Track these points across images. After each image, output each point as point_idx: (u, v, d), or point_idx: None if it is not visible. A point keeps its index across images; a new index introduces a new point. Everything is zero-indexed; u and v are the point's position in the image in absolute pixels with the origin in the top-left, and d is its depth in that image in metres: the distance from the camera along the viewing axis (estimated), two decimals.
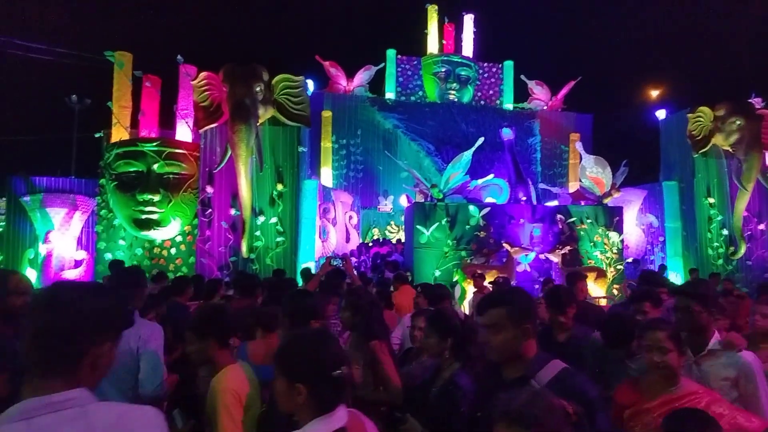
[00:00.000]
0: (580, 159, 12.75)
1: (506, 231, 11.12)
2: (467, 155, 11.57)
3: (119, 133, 10.88)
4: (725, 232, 11.97)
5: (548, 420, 1.28)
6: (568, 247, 10.91)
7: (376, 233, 16.65)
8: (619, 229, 11.53)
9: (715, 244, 11.99)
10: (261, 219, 10.27)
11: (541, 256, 11.07)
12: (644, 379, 2.23)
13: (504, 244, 10.64)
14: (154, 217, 10.34)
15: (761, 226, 12.17)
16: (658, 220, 12.78)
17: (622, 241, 11.64)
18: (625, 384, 2.31)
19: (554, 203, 13.27)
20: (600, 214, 11.55)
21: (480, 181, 12.22)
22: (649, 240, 12.96)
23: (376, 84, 20.21)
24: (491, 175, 12.88)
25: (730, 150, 11.95)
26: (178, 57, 10.72)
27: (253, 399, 2.17)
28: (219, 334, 2.21)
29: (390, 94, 20.03)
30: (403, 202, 15.68)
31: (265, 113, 10.27)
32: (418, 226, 10.88)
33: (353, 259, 10.42)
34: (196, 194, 10.51)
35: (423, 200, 11.76)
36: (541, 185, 14.64)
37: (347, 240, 13.81)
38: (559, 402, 1.34)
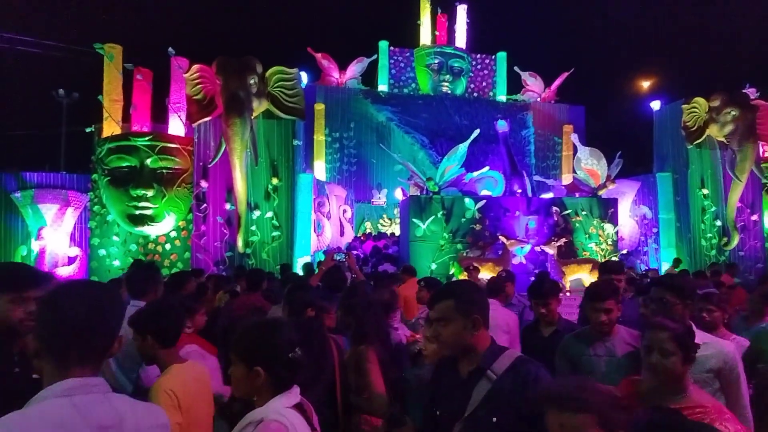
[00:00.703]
0: (575, 151, 12.79)
1: (502, 223, 11.14)
2: (462, 148, 11.55)
3: (111, 127, 10.70)
4: (718, 223, 12.07)
5: (597, 405, 1.31)
6: (564, 239, 10.95)
7: (368, 227, 16.63)
8: (614, 221, 11.60)
9: (708, 235, 12.09)
10: (256, 213, 10.19)
11: (537, 249, 11.11)
12: (644, 382, 2.06)
13: (500, 237, 10.66)
14: (148, 212, 10.21)
15: (754, 217, 12.29)
16: (651, 211, 12.85)
17: (617, 232, 11.71)
18: (626, 382, 2.17)
19: (549, 195, 13.31)
20: (595, 205, 11.60)
21: (475, 174, 12.22)
22: (642, 231, 13.05)
23: (369, 76, 20.08)
24: (486, 168, 12.89)
25: (725, 141, 12.02)
26: (170, 49, 10.54)
27: (195, 399, 2.19)
28: (157, 334, 2.22)
29: (383, 87, 19.92)
30: (399, 195, 15.66)
31: (259, 106, 10.16)
32: (413, 219, 10.87)
33: (354, 253, 10.40)
34: (191, 189, 10.40)
35: (417, 193, 11.73)
36: (536, 177, 14.70)
37: (341, 234, 13.78)
38: (608, 388, 1.37)
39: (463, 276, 10.08)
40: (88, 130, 11.03)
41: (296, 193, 10.64)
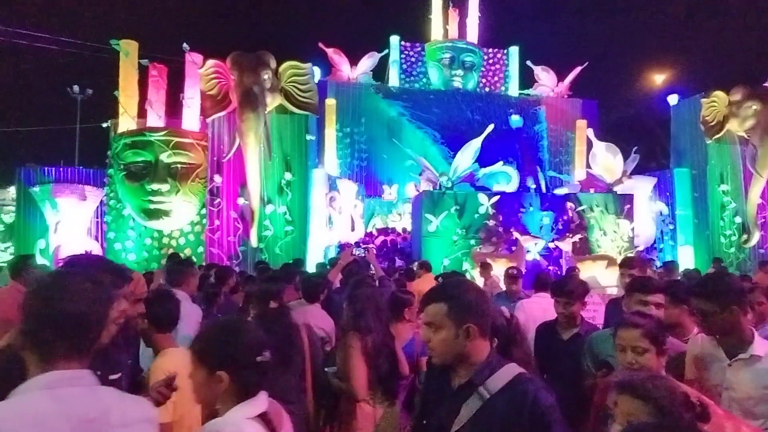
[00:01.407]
0: (590, 146, 12.63)
1: (515, 219, 11.06)
2: (476, 143, 11.48)
3: (126, 122, 10.78)
4: (738, 219, 11.86)
5: (666, 399, 1.32)
6: (579, 236, 10.86)
7: (378, 222, 16.60)
8: (629, 217, 11.45)
9: (728, 231, 11.89)
10: (270, 208, 10.22)
11: (551, 245, 11.02)
12: None
13: (513, 233, 10.58)
14: (163, 207, 10.29)
15: None
16: (668, 207, 12.67)
17: (632, 229, 11.56)
18: (602, 383, 2.08)
19: (564, 191, 13.18)
20: (610, 201, 11.46)
21: (488, 169, 12.14)
22: (659, 228, 12.88)
23: (380, 71, 19.98)
24: (500, 163, 12.80)
25: (745, 135, 11.80)
26: (184, 45, 10.58)
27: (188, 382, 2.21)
28: (153, 320, 2.31)
29: (394, 82, 19.83)
30: (411, 190, 15.60)
31: (272, 101, 10.17)
32: (426, 215, 10.82)
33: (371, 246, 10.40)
34: (205, 184, 10.45)
35: (429, 188, 11.67)
36: (551, 173, 14.55)
37: (352, 229, 13.78)
38: (680, 386, 1.38)
39: (477, 272, 10.05)
40: (104, 125, 11.13)
41: (309, 187, 10.65)
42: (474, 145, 11.48)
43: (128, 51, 10.82)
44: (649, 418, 1.31)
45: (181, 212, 10.52)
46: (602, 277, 9.96)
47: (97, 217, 11.45)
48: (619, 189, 11.77)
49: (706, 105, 11.83)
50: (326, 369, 2.97)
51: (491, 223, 10.95)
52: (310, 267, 8.82)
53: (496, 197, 11.16)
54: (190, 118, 11.14)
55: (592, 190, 12.02)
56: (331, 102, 17.84)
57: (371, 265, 5.58)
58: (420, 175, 13.15)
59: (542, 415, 1.50)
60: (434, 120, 18.56)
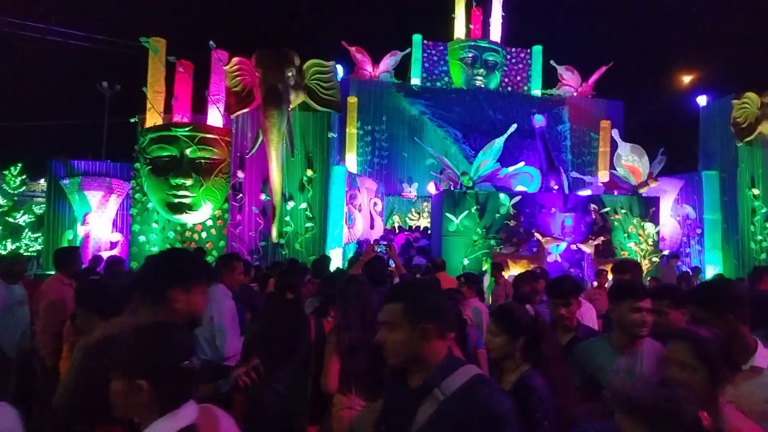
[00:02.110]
0: (614, 147, 12.40)
1: (537, 220, 10.93)
2: (499, 143, 11.38)
3: (153, 118, 11.00)
4: None
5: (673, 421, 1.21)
6: (601, 238, 10.68)
7: (397, 220, 16.61)
8: (655, 220, 11.22)
9: (759, 237, 11.54)
10: (291, 204, 10.31)
11: (573, 247, 10.86)
12: None
13: (535, 234, 10.46)
14: (186, 201, 10.46)
15: None
16: (695, 211, 12.35)
17: (657, 232, 11.31)
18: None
19: (587, 192, 12.96)
20: (635, 204, 11.24)
21: (510, 169, 12.03)
22: (685, 232, 12.57)
23: (402, 70, 19.96)
24: (522, 163, 12.66)
25: None
26: (211, 42, 10.73)
27: None
28: (100, 308, 2.38)
29: (416, 80, 19.77)
30: (431, 189, 15.56)
31: (296, 98, 10.25)
32: (447, 214, 10.78)
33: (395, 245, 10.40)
34: (227, 179, 10.60)
35: (450, 187, 11.60)
36: (573, 174, 14.34)
37: (372, 227, 13.80)
38: (693, 407, 1.24)
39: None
40: (132, 120, 11.38)
41: (330, 185, 10.70)
42: (496, 145, 11.38)
43: (157, 48, 11.03)
44: None
45: (203, 206, 10.69)
46: None
47: (123, 210, 11.72)
48: (644, 191, 11.53)
49: (737, 106, 11.50)
50: None
51: (512, 223, 10.85)
52: (335, 264, 8.87)
53: (518, 197, 11.05)
54: (215, 114, 11.32)
55: (616, 192, 11.80)
56: (352, 100, 17.89)
57: (392, 262, 5.60)
58: (440, 173, 13.10)
59: (494, 420, 1.44)
60: (456, 119, 18.47)
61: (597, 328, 3.71)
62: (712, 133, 12.38)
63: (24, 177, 22.62)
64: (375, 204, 14.45)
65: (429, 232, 13.48)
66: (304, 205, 10.39)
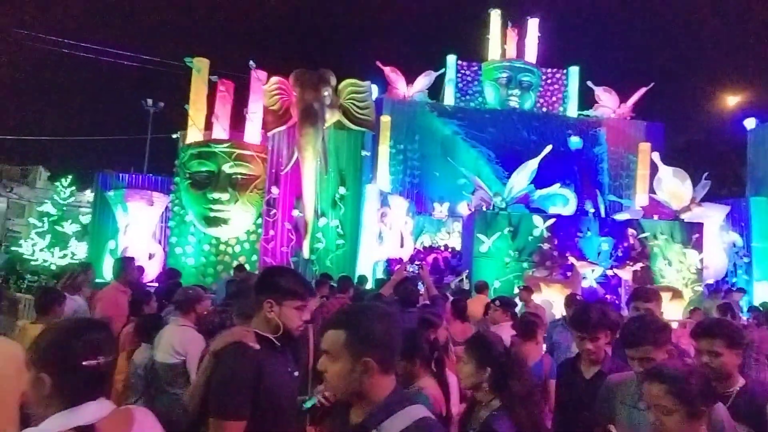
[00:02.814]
0: (654, 170, 12.02)
1: (572, 243, 10.65)
2: (533, 164, 11.23)
3: (194, 134, 11.42)
4: None
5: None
6: (640, 264, 10.29)
7: (426, 239, 16.51)
8: (698, 247, 10.73)
9: None
10: (323, 221, 10.42)
11: (609, 272, 10.50)
12: None
13: (569, 258, 10.18)
14: (222, 215, 10.74)
15: None
16: (742, 238, 11.76)
17: (701, 260, 10.81)
18: None
19: (625, 216, 12.57)
20: (677, 229, 10.80)
21: (545, 191, 11.82)
22: (731, 260, 11.96)
23: (435, 89, 20.08)
24: (557, 185, 12.43)
25: None
26: (251, 62, 11.14)
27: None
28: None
29: (449, 100, 19.85)
30: (463, 209, 15.44)
31: (331, 117, 10.46)
32: (478, 235, 10.64)
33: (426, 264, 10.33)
34: (262, 194, 10.83)
35: (481, 208, 11.48)
36: (611, 197, 13.95)
37: (401, 245, 13.77)
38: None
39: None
40: (174, 136, 11.85)
41: (362, 203, 10.79)
42: (531, 166, 11.23)
43: (200, 68, 11.51)
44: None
45: (238, 221, 10.94)
46: (666, 310, 9.34)
47: (162, 222, 12.12)
48: (686, 216, 11.07)
49: None
50: None
51: (546, 246, 10.60)
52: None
53: (552, 220, 10.82)
54: (252, 131, 11.65)
55: (656, 217, 11.38)
56: (386, 119, 18.08)
57: (423, 282, 5.55)
58: (472, 194, 12.99)
59: None
60: (489, 139, 18.35)
61: None
62: (761, 157, 11.86)
63: (73, 188, 23.79)
64: (405, 222, 14.44)
65: (458, 252, 13.34)
66: (335, 223, 10.50)
